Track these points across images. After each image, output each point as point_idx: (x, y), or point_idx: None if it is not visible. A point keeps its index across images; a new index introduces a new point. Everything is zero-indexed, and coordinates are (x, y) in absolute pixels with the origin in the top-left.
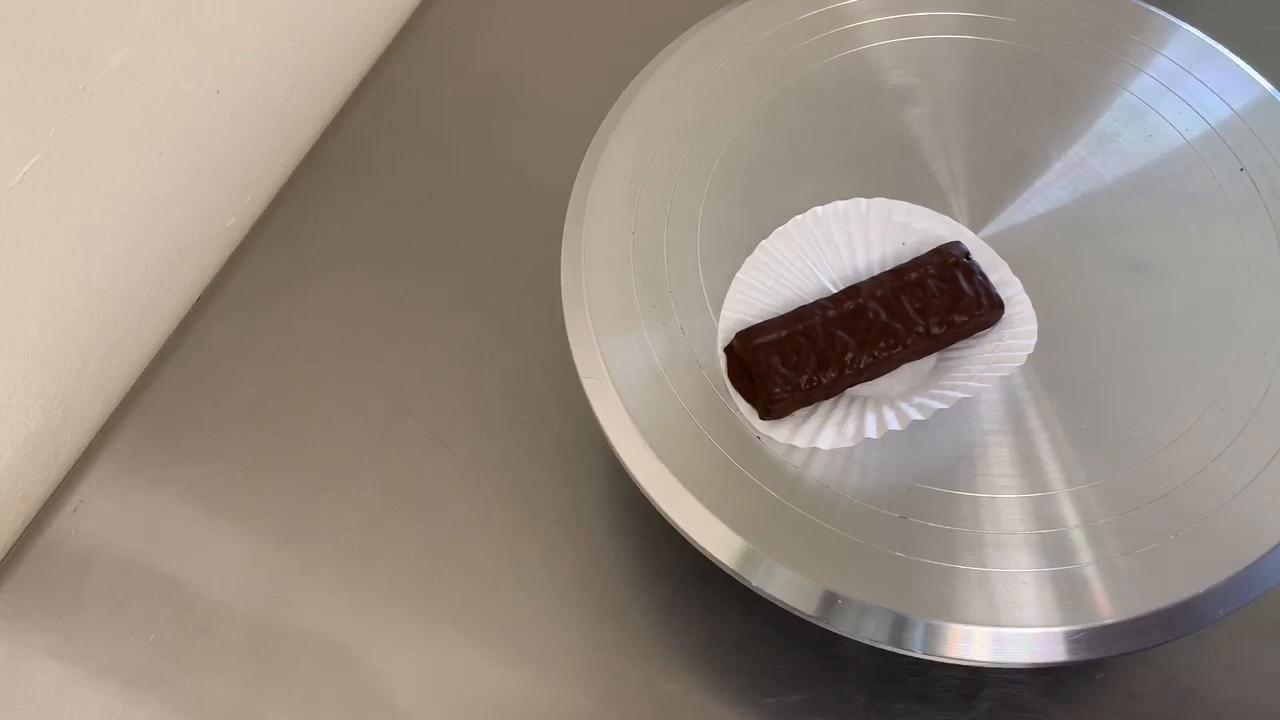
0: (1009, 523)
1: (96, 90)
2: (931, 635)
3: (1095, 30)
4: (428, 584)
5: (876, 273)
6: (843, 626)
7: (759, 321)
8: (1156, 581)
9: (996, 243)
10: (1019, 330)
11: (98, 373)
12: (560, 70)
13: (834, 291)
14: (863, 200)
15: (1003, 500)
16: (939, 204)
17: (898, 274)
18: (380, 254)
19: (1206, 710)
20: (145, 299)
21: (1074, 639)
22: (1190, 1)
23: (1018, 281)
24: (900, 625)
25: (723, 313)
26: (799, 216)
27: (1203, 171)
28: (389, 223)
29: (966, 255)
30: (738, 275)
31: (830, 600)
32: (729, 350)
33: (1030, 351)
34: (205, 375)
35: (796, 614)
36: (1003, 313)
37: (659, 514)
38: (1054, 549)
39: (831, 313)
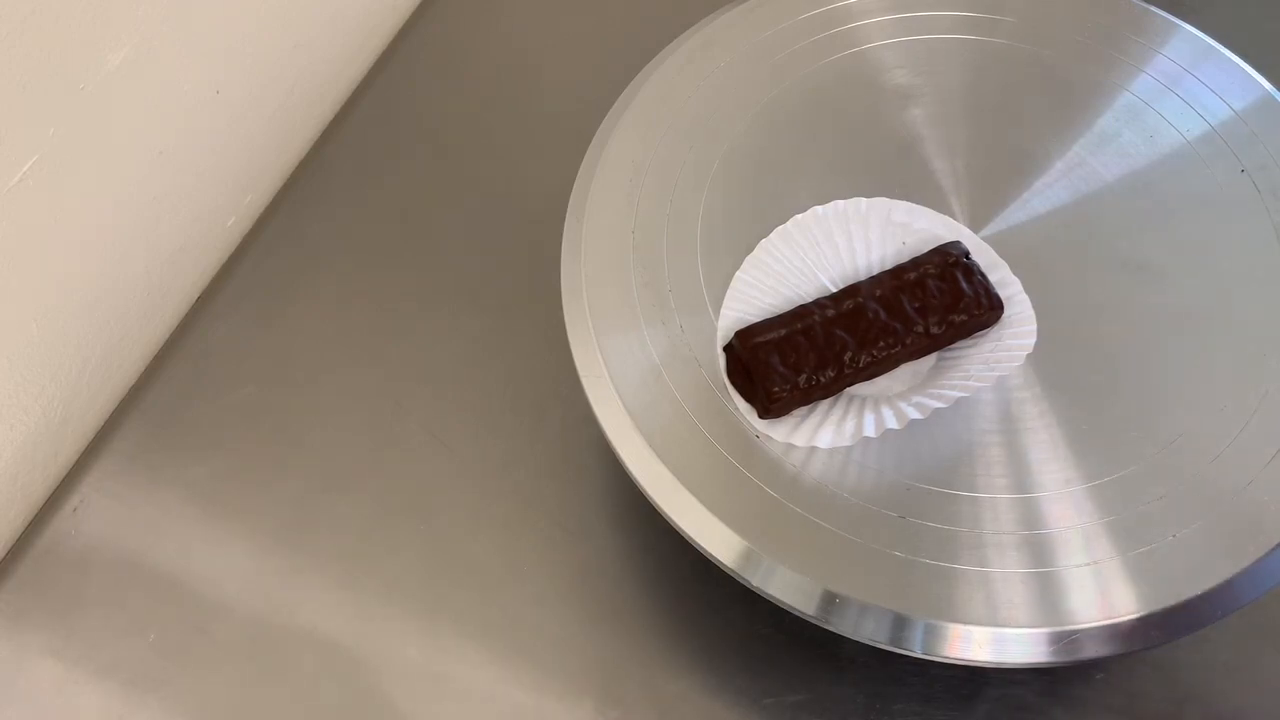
0: (1008, 523)
1: (96, 90)
2: (931, 635)
3: (1095, 30)
4: (428, 584)
5: (876, 272)
6: (842, 626)
7: (758, 320)
8: (1156, 581)
9: (996, 243)
10: (1018, 330)
11: (98, 373)
12: (560, 70)
13: (833, 291)
14: (863, 200)
15: (1002, 500)
16: (939, 204)
17: (897, 273)
18: (380, 254)
19: (1206, 710)
20: (145, 299)
21: (1074, 639)
22: (1190, 1)
23: (1018, 281)
24: (900, 625)
25: (722, 311)
26: (799, 216)
27: (1203, 171)
28: (389, 223)
29: (966, 255)
30: (737, 274)
31: (830, 600)
32: (728, 349)
33: (1029, 351)
34: (205, 375)
35: (796, 614)
36: (1002, 313)
37: (659, 514)
38: (1053, 549)
39: (831, 312)
